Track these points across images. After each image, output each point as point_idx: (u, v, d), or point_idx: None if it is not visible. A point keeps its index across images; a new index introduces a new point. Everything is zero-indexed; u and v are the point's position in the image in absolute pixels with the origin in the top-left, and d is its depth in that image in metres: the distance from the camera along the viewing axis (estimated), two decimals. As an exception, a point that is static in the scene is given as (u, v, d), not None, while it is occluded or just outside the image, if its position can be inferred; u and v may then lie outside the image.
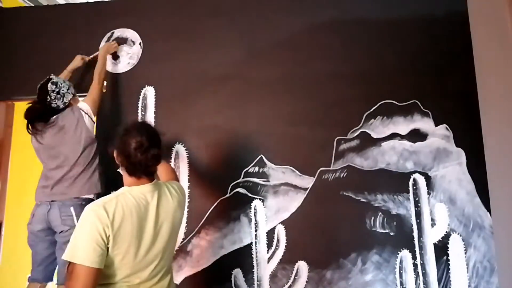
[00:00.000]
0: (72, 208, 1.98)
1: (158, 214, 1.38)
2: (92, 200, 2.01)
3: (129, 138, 1.34)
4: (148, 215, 1.35)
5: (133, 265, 1.30)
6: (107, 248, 1.24)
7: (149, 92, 2.36)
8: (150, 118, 2.33)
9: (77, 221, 1.88)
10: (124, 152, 1.34)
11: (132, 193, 1.35)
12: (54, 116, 2.09)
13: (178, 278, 2.15)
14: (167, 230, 1.40)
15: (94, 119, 2.16)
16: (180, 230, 1.54)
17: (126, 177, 1.39)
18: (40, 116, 2.05)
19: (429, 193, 2.11)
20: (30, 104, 2.07)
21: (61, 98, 2.09)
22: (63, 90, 2.10)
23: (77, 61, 2.36)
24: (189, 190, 2.23)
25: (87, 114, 2.11)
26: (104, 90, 2.38)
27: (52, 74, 2.12)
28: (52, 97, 2.06)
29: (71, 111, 2.11)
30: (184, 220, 2.20)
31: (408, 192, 2.12)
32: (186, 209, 2.21)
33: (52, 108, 2.08)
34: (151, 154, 1.34)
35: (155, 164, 1.40)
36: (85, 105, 2.15)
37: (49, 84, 2.06)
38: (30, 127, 2.05)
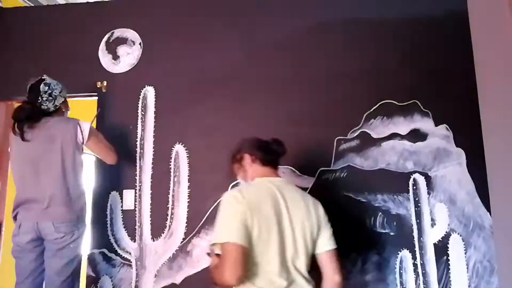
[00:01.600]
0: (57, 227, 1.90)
1: (289, 212, 1.43)
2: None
3: (260, 139, 1.66)
4: (280, 207, 1.41)
5: (274, 255, 1.33)
6: (250, 230, 1.32)
7: (149, 92, 2.36)
8: (150, 118, 2.33)
9: (73, 228, 1.93)
10: (261, 146, 1.61)
11: (266, 183, 1.48)
12: (44, 119, 1.97)
13: (178, 278, 2.15)
14: (296, 231, 1.42)
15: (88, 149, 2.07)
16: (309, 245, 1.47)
17: (258, 170, 1.57)
18: (30, 117, 1.94)
19: (429, 193, 2.11)
20: (20, 104, 1.99)
21: (53, 101, 1.99)
22: (55, 93, 2.00)
23: None
24: (189, 190, 2.23)
25: (82, 133, 1.99)
26: (104, 91, 2.38)
27: (45, 75, 2.03)
28: (44, 98, 1.96)
29: (66, 121, 2.01)
30: (184, 220, 2.20)
31: (408, 192, 2.12)
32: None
33: (42, 110, 1.98)
34: (282, 148, 1.64)
35: (279, 157, 1.64)
36: (87, 125, 2.02)
37: (42, 85, 1.97)
38: (17, 127, 1.94)
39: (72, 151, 1.96)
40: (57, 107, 2.03)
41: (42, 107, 1.98)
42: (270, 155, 1.60)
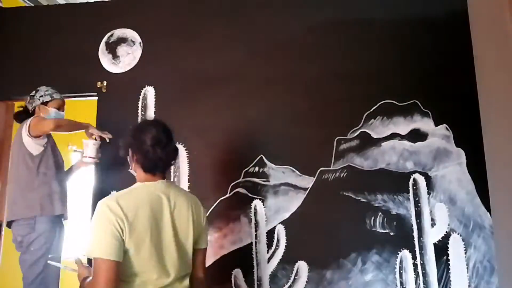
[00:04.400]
0: (15, 228, 2.04)
1: (173, 214, 1.33)
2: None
3: (145, 134, 1.33)
4: (163, 211, 1.31)
5: (149, 260, 1.25)
6: (123, 241, 1.21)
7: (149, 92, 2.36)
8: (150, 118, 2.33)
9: (20, 241, 2.01)
10: (142, 149, 1.32)
11: (147, 188, 1.33)
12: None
13: (178, 278, 2.14)
14: (180, 232, 1.34)
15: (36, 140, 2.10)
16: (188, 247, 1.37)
17: (140, 174, 1.36)
18: (16, 117, 2.27)
19: (429, 193, 2.11)
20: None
21: (32, 103, 2.18)
22: (35, 96, 2.17)
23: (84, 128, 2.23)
24: (189, 190, 2.23)
25: (26, 129, 2.08)
26: (104, 91, 2.38)
27: (43, 86, 2.22)
28: (27, 101, 2.20)
29: (26, 120, 2.14)
30: (184, 220, 2.20)
31: (408, 192, 2.12)
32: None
33: (25, 111, 2.22)
34: (171, 149, 1.36)
35: (174, 159, 1.40)
36: (29, 120, 2.12)
37: (33, 91, 2.19)
38: None
39: (17, 151, 2.11)
40: (33, 109, 2.19)
41: (29, 108, 2.21)
42: (150, 162, 1.33)
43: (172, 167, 2.25)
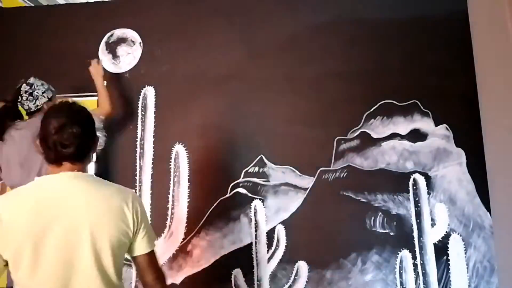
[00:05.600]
0: None
1: (77, 214, 1.07)
2: None
3: (47, 119, 1.12)
4: (59, 212, 1.05)
5: (27, 279, 1.03)
6: None
7: (149, 92, 2.36)
8: (150, 118, 2.33)
9: None
10: (41, 135, 1.11)
11: (41, 183, 1.11)
12: (26, 119, 1.97)
13: (178, 278, 2.15)
14: (89, 241, 1.06)
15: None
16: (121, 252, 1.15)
17: (47, 167, 1.15)
18: (7, 116, 1.94)
19: (429, 193, 2.12)
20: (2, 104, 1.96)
21: (34, 101, 1.97)
22: (37, 92, 1.98)
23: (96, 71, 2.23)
24: (189, 190, 2.23)
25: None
26: (104, 90, 2.38)
27: (32, 78, 2.01)
28: (24, 98, 1.96)
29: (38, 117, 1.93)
30: (184, 220, 2.20)
31: (408, 192, 2.12)
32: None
33: (18, 110, 1.97)
34: (68, 132, 1.09)
35: (75, 145, 1.10)
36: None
37: (24, 85, 1.98)
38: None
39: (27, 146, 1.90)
40: (39, 107, 1.99)
41: (24, 107, 1.97)
42: (48, 149, 1.10)
43: (172, 167, 2.26)
